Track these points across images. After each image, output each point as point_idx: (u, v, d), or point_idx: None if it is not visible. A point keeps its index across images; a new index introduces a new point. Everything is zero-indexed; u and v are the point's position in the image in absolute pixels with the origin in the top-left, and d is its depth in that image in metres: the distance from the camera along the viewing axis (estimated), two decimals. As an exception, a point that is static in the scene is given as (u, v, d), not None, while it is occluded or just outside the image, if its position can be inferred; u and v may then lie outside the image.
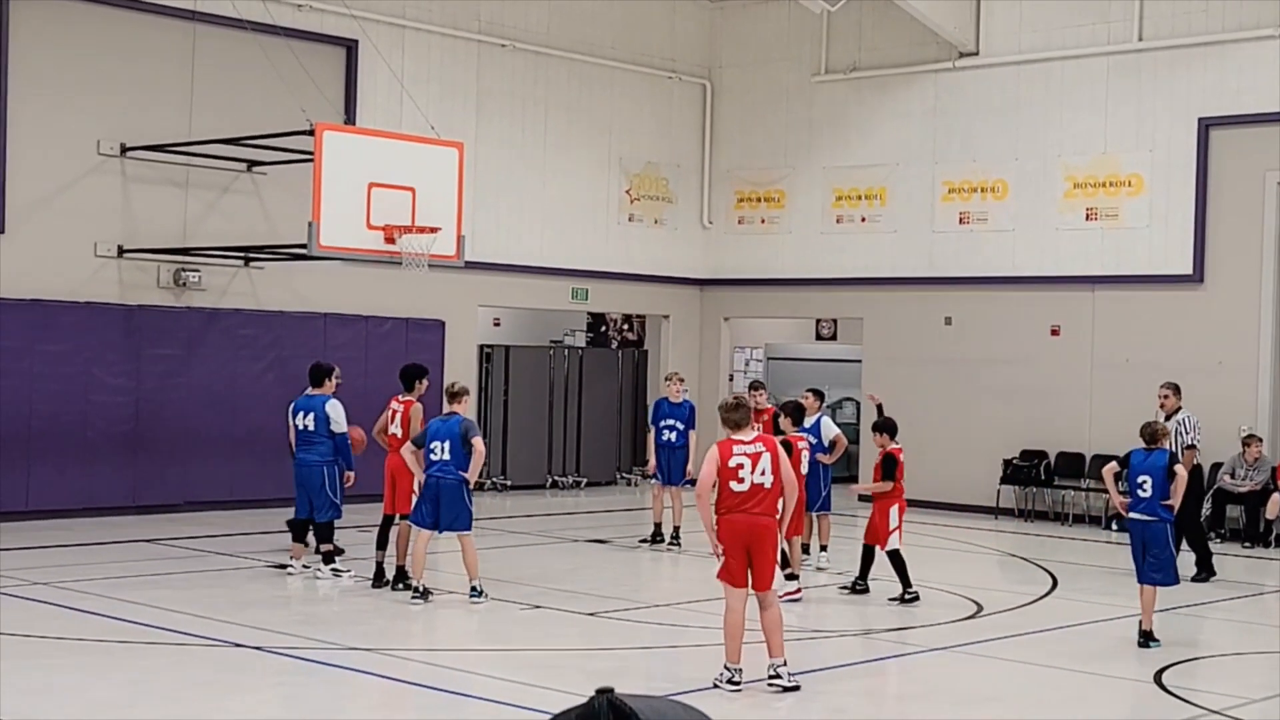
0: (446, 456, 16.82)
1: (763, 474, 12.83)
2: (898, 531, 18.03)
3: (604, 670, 13.52)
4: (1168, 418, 20.41)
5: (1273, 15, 25.56)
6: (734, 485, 12.79)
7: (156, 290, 24.59)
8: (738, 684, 12.82)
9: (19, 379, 22.95)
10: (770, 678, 12.88)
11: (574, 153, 30.31)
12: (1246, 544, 24.12)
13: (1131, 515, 15.83)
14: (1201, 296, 26.20)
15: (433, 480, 16.90)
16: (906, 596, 17.83)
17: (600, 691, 2.20)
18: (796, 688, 12.84)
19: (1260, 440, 24.64)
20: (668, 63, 31.83)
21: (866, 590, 18.28)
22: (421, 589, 17.02)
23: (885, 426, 18.74)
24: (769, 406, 21.66)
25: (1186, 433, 20.69)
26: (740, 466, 12.79)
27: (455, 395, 17.31)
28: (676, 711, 2.20)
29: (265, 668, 13.58)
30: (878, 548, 18.19)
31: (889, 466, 18.19)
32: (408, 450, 17.52)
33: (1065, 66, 27.75)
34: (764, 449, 12.96)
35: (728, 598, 12.96)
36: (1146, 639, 15.45)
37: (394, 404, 18.64)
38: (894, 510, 18.07)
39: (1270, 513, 24.06)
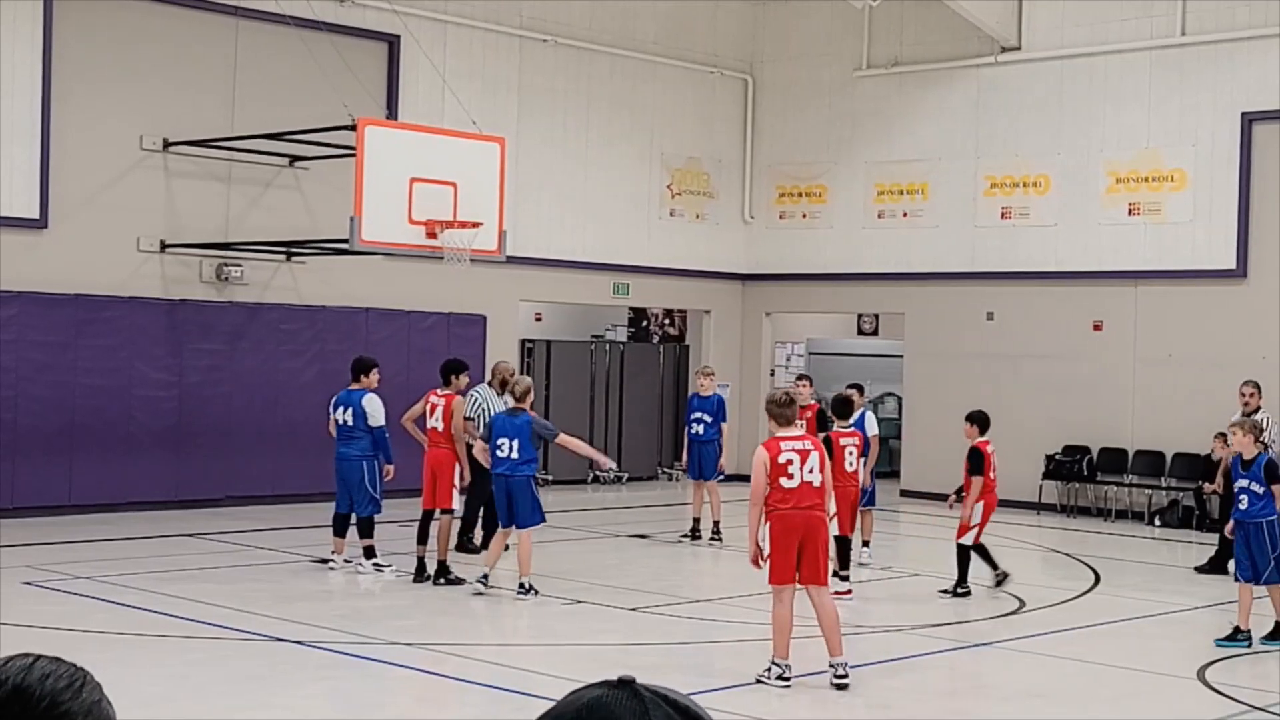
0: (515, 455, 16.84)
1: (811, 471, 12.88)
2: (978, 529, 17.86)
3: (646, 665, 13.52)
4: (1247, 416, 20.54)
5: (1317, 9, 25.46)
6: (784, 482, 12.81)
7: (199, 285, 24.68)
8: (787, 680, 12.83)
9: (62, 373, 23.05)
10: (838, 677, 12.89)
11: (616, 148, 30.29)
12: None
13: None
14: (1245, 291, 26.05)
15: (501, 480, 16.93)
16: (958, 591, 17.76)
17: (622, 681, 2.21)
18: (846, 686, 12.88)
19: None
20: (710, 57, 31.79)
21: (1005, 581, 18.17)
22: (486, 578, 17.10)
23: (976, 418, 18.48)
24: (813, 403, 21.51)
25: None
26: (790, 463, 12.82)
27: (524, 395, 17.32)
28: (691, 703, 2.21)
29: (307, 662, 13.62)
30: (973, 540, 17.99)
31: (975, 461, 17.97)
32: (480, 449, 17.55)
33: (1108, 61, 27.62)
34: (812, 448, 13.00)
35: (777, 594, 12.96)
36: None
37: (433, 397, 18.69)
38: (978, 507, 17.88)
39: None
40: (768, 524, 12.92)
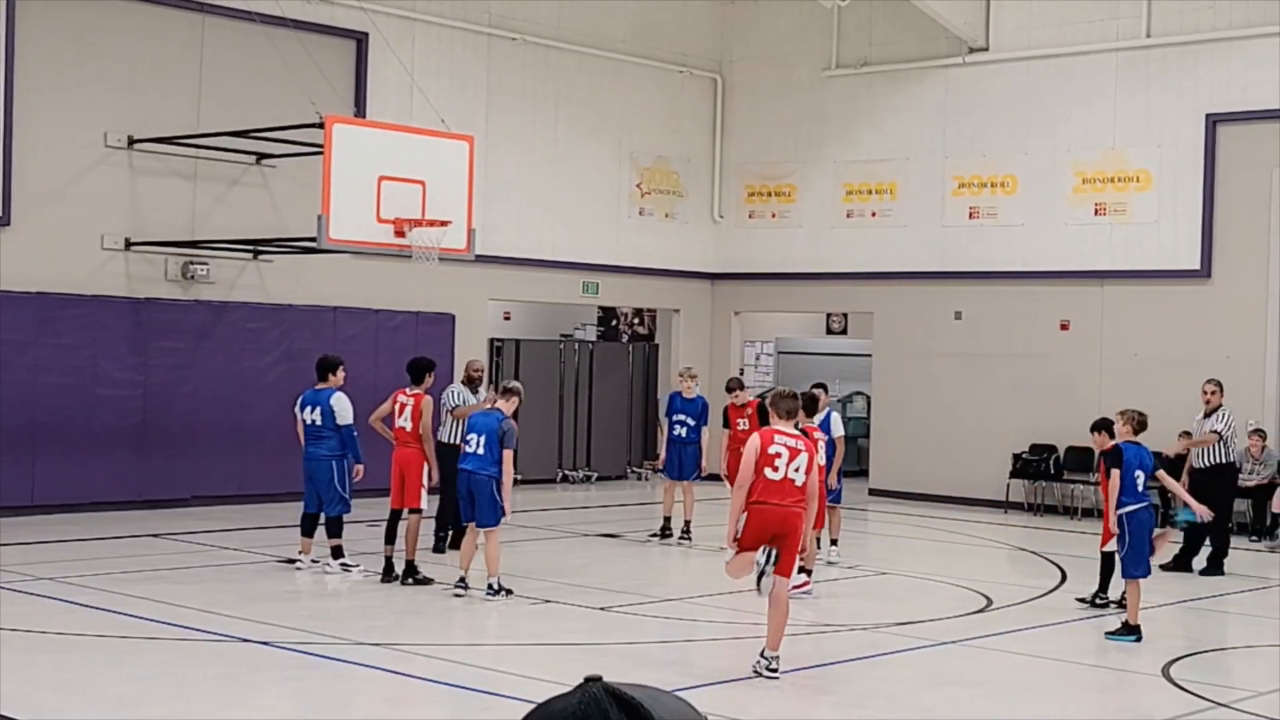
0: (481, 451, 16.74)
1: (796, 470, 12.99)
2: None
3: (615, 665, 13.50)
4: (1208, 414, 20.93)
5: (1279, 13, 25.55)
6: (768, 472, 12.92)
7: (164, 283, 24.57)
8: (775, 672, 13.03)
9: (25, 372, 22.91)
10: (769, 669, 13.01)
11: (585, 147, 30.26)
12: (1253, 538, 24.10)
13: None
14: (1209, 291, 26.19)
15: (464, 475, 16.86)
16: (1097, 601, 17.33)
17: (589, 680, 2.17)
18: (776, 677, 13.07)
19: (1264, 434, 24.55)
20: (679, 57, 31.78)
21: (1108, 604, 17.37)
22: (463, 581, 17.01)
23: (1103, 425, 18.16)
24: (752, 399, 21.69)
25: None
26: (778, 455, 12.93)
27: (506, 393, 17.29)
28: (671, 701, 2.18)
29: (273, 663, 13.56)
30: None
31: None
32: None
33: (1074, 62, 27.72)
34: (803, 448, 13.09)
35: (736, 558, 13.20)
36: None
37: (401, 396, 18.62)
38: None
39: (1276, 506, 23.96)
40: (745, 514, 13.01)
